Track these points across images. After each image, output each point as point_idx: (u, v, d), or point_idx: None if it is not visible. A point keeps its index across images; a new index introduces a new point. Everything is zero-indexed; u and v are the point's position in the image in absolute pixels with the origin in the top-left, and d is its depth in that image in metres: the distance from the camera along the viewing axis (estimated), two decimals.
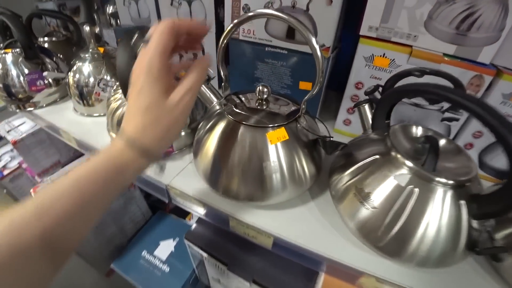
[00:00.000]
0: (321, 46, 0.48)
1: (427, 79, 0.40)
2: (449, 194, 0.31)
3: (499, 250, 0.34)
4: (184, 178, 0.48)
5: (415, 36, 0.44)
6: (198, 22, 0.30)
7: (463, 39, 0.42)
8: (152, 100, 0.27)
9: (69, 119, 0.66)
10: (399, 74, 0.43)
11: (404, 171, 0.33)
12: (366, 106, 0.44)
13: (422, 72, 0.42)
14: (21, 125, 0.99)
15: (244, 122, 0.38)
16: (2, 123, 1.02)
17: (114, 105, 0.51)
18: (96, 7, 0.84)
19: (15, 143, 0.92)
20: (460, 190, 0.31)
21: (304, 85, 0.55)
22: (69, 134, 0.61)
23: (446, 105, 0.47)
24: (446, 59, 0.43)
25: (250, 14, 0.34)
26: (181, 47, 0.32)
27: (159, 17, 0.67)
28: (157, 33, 0.28)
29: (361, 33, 0.47)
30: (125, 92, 0.45)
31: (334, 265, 0.37)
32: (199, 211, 0.46)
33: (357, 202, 0.35)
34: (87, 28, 0.59)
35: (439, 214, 0.31)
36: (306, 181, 0.41)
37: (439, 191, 0.31)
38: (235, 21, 0.35)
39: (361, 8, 0.46)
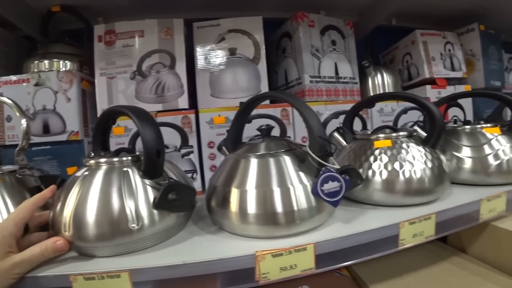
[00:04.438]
0: (71, 133, 0.56)
1: None
2: None
3: None
4: None
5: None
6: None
7: (163, 98, 0.55)
8: None
9: None
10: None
11: None
12: None
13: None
14: None
15: None
16: None
17: None
18: None
19: None
20: None
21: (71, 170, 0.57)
22: None
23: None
24: (159, 115, 0.54)
25: None
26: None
27: None
28: (20, 207, 0.32)
29: (98, 115, 0.57)
30: None
31: None
32: None
33: None
34: None
35: None
36: None
37: None
38: None
39: None
